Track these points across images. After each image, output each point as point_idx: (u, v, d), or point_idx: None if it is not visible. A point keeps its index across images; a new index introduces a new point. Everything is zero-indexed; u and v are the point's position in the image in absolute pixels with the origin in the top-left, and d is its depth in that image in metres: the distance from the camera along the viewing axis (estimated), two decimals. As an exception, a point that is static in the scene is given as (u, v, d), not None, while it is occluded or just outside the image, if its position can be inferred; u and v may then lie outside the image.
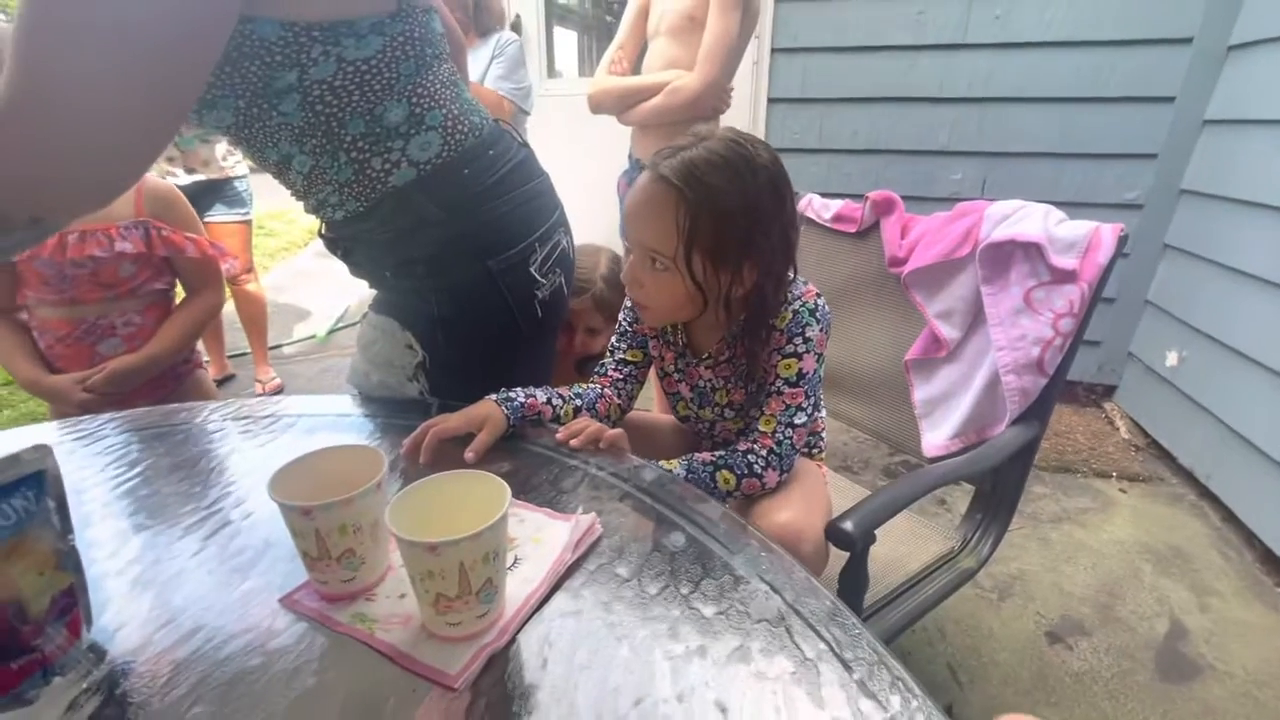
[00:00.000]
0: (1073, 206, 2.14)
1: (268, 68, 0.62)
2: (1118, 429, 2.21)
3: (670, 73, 1.49)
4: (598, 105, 1.60)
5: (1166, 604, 1.45)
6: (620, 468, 0.70)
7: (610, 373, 0.92)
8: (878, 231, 1.13)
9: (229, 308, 2.54)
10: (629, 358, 0.92)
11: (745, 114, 2.43)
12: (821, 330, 0.79)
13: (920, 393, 1.09)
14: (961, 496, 1.75)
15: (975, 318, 1.04)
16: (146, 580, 0.53)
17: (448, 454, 0.69)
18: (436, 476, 0.50)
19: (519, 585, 0.51)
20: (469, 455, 0.67)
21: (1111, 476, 1.94)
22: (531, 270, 0.82)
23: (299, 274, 4.25)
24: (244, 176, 2.26)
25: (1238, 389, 1.71)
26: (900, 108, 2.28)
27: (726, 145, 0.71)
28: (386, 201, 0.74)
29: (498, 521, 0.44)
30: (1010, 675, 1.27)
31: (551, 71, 3.08)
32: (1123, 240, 0.92)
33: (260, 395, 2.48)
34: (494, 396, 0.75)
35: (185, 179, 2.12)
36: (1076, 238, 0.95)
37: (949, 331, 1.05)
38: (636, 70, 1.63)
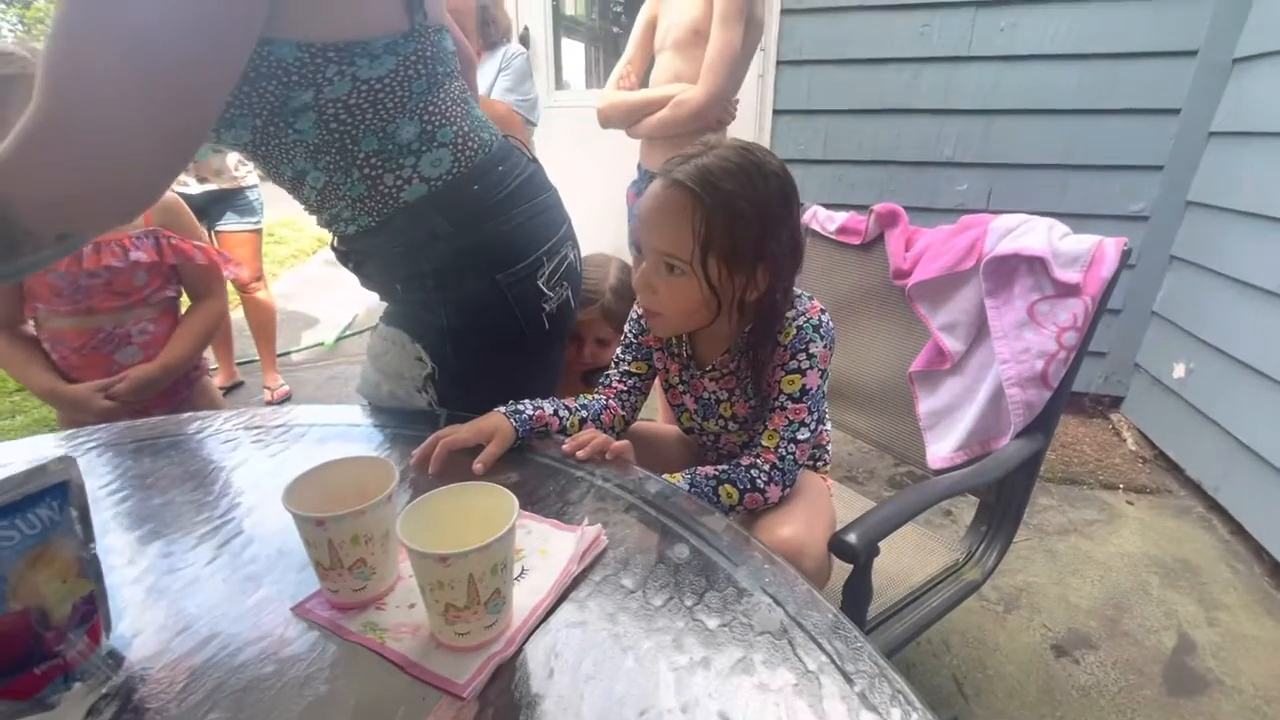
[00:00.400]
0: (1078, 218, 2.15)
1: (285, 87, 0.64)
2: (1124, 440, 2.20)
3: (675, 86, 1.51)
4: (607, 120, 1.63)
5: (1174, 617, 1.44)
6: (626, 479, 0.71)
7: (615, 384, 0.93)
8: (882, 244, 1.14)
9: (238, 315, 2.57)
10: (634, 369, 0.93)
11: (751, 126, 2.45)
12: (825, 346, 0.79)
13: (924, 405, 1.10)
14: (967, 508, 1.75)
15: (979, 330, 1.05)
16: (162, 588, 0.55)
17: (456, 465, 0.70)
18: (446, 488, 0.51)
19: (526, 596, 0.52)
20: (477, 467, 0.68)
21: (1118, 488, 1.94)
22: (539, 283, 0.84)
23: (307, 282, 4.29)
24: (255, 186, 2.30)
25: (1245, 401, 1.71)
26: (905, 119, 2.29)
27: (737, 152, 0.73)
28: (398, 216, 0.75)
29: (506, 534, 0.45)
30: (1016, 688, 1.26)
31: (559, 83, 3.11)
32: (1126, 254, 0.93)
33: (268, 402, 2.50)
34: (502, 409, 0.76)
35: (197, 188, 2.15)
36: (1080, 252, 0.95)
37: (953, 344, 1.05)
38: (645, 85, 1.65)
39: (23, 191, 0.50)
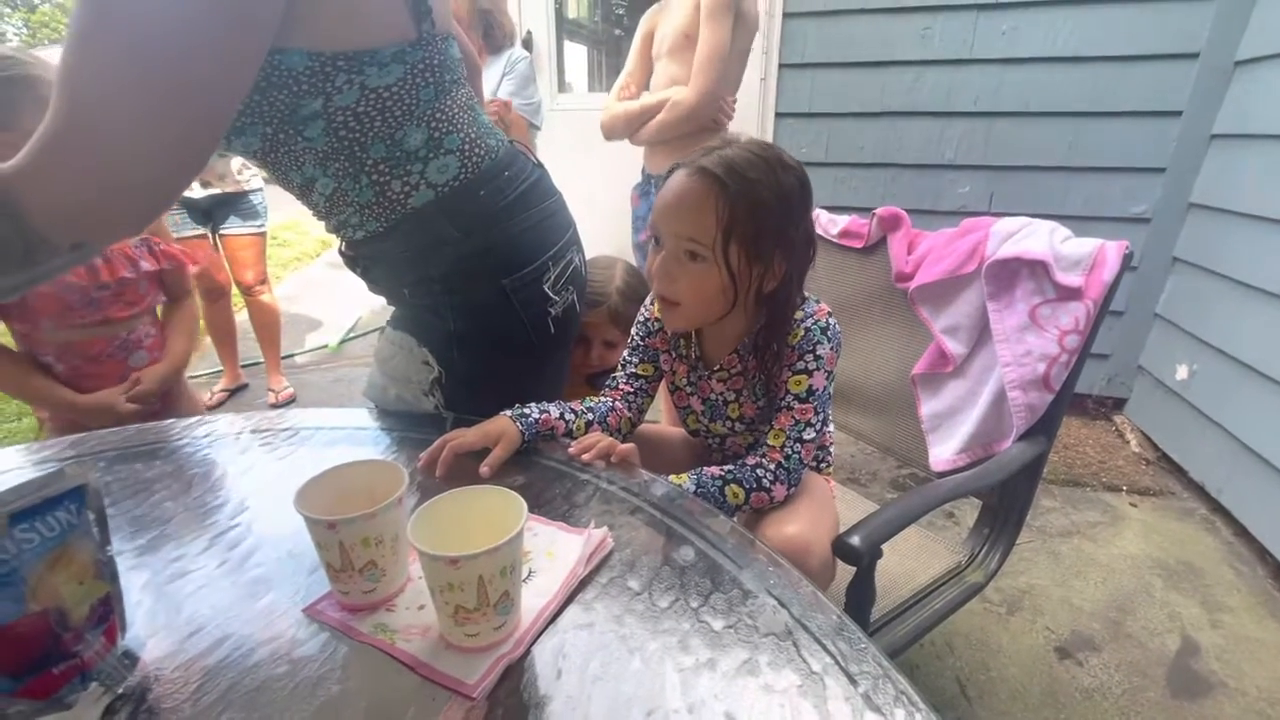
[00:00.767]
0: (1080, 220, 2.17)
1: (295, 96, 0.64)
2: (1128, 442, 2.20)
3: (671, 90, 1.52)
4: (609, 131, 1.66)
5: (1178, 620, 1.45)
6: (631, 482, 0.71)
7: (621, 386, 0.93)
8: (884, 247, 1.15)
9: (242, 317, 2.59)
10: (640, 371, 0.94)
11: (753, 129, 2.46)
12: (832, 349, 0.80)
13: (927, 407, 1.10)
14: (970, 509, 1.75)
15: (981, 333, 1.05)
16: (174, 590, 0.55)
17: (463, 468, 0.70)
18: (455, 491, 0.51)
19: (534, 598, 0.53)
20: (484, 470, 0.69)
21: (1122, 490, 1.94)
22: (545, 288, 0.84)
23: (311, 284, 4.31)
24: (259, 190, 2.31)
25: (1249, 403, 1.71)
26: (907, 122, 2.30)
27: (758, 145, 0.76)
28: (405, 222, 0.76)
29: (515, 536, 0.46)
30: (1019, 691, 1.26)
31: (562, 85, 3.12)
32: (1128, 257, 0.93)
33: (273, 404, 2.51)
34: (509, 412, 0.77)
35: (201, 192, 2.17)
36: (1082, 255, 0.96)
37: (955, 347, 1.06)
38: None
39: (38, 200, 0.51)
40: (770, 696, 0.44)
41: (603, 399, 0.92)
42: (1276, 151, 1.69)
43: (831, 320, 0.81)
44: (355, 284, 0.91)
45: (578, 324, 0.96)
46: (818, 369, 0.79)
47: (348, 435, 0.83)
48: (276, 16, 0.57)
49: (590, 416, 0.86)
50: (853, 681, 0.45)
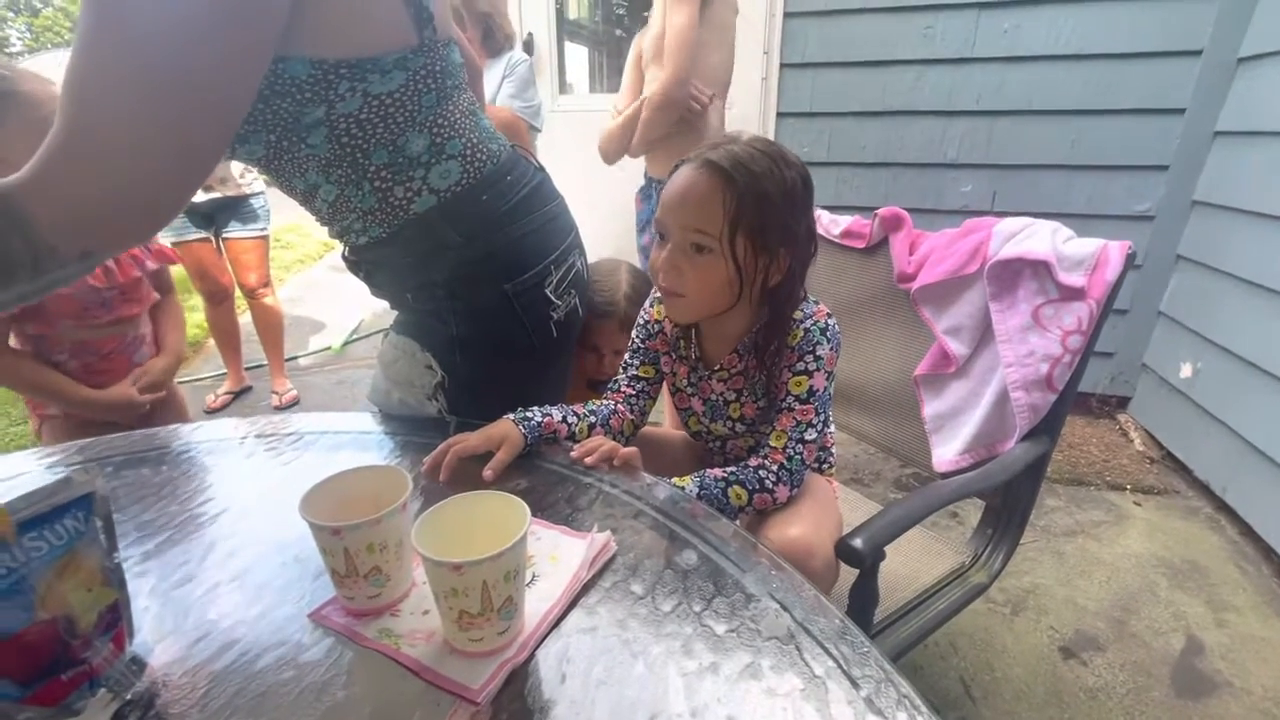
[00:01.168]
0: (1083, 219, 2.17)
1: (298, 104, 0.65)
2: (1132, 441, 2.20)
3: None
4: (607, 154, 1.67)
5: (1182, 619, 1.44)
6: (634, 485, 0.72)
7: (623, 388, 0.94)
8: (886, 247, 1.15)
9: (245, 320, 2.60)
10: (642, 373, 0.94)
11: (754, 128, 2.46)
12: (832, 349, 0.80)
13: (930, 408, 1.10)
14: (973, 509, 1.75)
15: (984, 334, 1.05)
16: (181, 596, 0.56)
17: (467, 472, 0.71)
18: (459, 497, 0.52)
19: (537, 602, 0.53)
20: (487, 474, 0.70)
21: (1126, 489, 1.93)
22: (547, 292, 0.85)
23: (313, 287, 4.32)
24: (261, 193, 2.31)
25: (1253, 401, 1.70)
26: (909, 121, 2.29)
27: (763, 142, 0.76)
28: (408, 228, 0.76)
29: (518, 541, 0.46)
30: (1023, 691, 1.26)
31: (563, 87, 3.12)
32: (1130, 257, 0.93)
33: (277, 407, 2.52)
34: (512, 416, 0.77)
35: (203, 196, 2.18)
36: (1084, 255, 0.96)
37: (958, 347, 1.06)
38: None
39: (46, 209, 0.52)
40: (773, 700, 0.44)
41: (605, 402, 0.92)
42: (1280, 149, 1.69)
43: (831, 321, 0.81)
44: (357, 286, 0.91)
45: (580, 327, 0.96)
46: (818, 369, 0.80)
47: (352, 439, 0.84)
48: (279, 21, 0.58)
49: (593, 419, 0.87)
50: (855, 685, 0.45)
